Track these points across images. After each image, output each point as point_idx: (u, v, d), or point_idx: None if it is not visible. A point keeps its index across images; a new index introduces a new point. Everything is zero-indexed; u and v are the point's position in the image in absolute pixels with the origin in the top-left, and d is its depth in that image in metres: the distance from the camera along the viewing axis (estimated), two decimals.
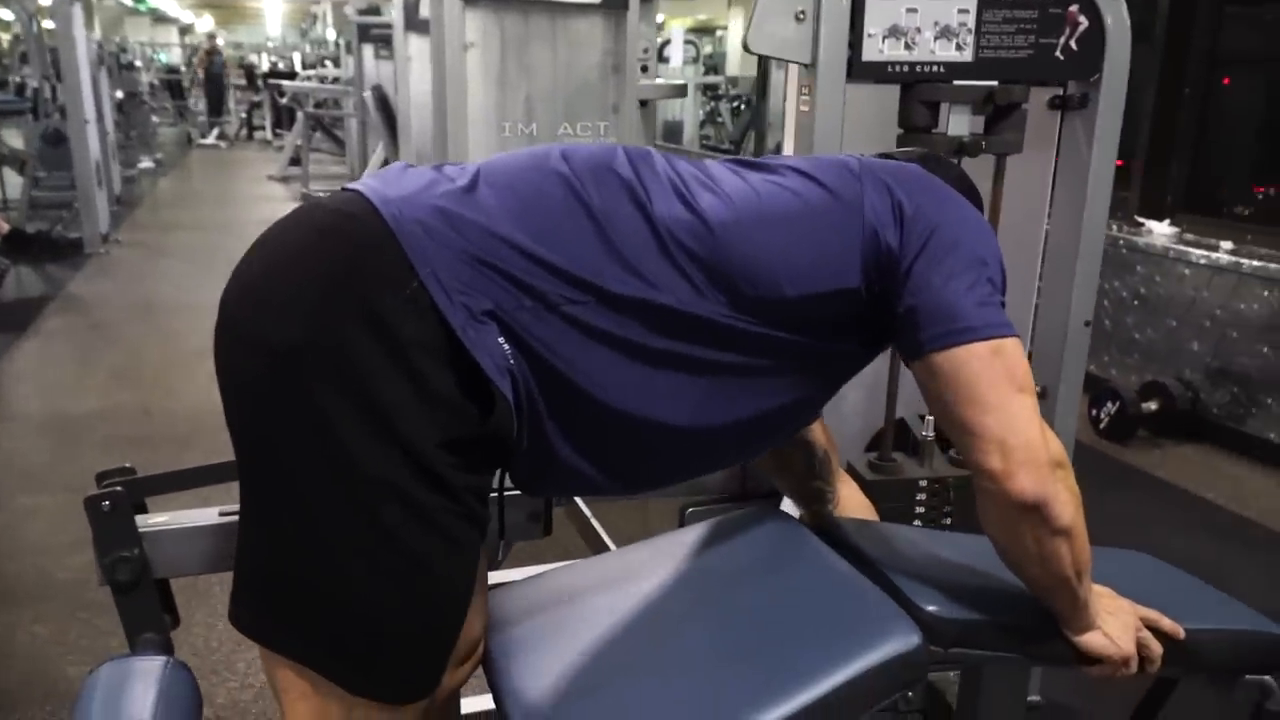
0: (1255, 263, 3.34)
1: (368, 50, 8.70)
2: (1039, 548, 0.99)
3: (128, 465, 1.21)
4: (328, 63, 16.78)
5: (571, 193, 0.98)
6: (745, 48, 1.53)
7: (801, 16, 1.50)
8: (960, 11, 1.53)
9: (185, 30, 33.06)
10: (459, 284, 0.91)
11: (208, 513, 1.22)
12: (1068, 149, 1.71)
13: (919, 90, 1.56)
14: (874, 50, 1.52)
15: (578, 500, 2.15)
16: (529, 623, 1.14)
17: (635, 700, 0.96)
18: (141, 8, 28.60)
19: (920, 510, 1.70)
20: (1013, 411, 0.97)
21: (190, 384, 3.97)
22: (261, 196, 9.78)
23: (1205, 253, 3.51)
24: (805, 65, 1.53)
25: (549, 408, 0.96)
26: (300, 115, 10.54)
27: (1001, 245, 1.68)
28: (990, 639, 1.05)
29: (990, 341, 0.98)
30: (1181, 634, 1.13)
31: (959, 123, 1.59)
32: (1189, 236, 3.74)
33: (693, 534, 1.29)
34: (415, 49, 4.54)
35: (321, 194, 7.43)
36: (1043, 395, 1.78)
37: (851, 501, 1.41)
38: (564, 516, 2.20)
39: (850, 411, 1.78)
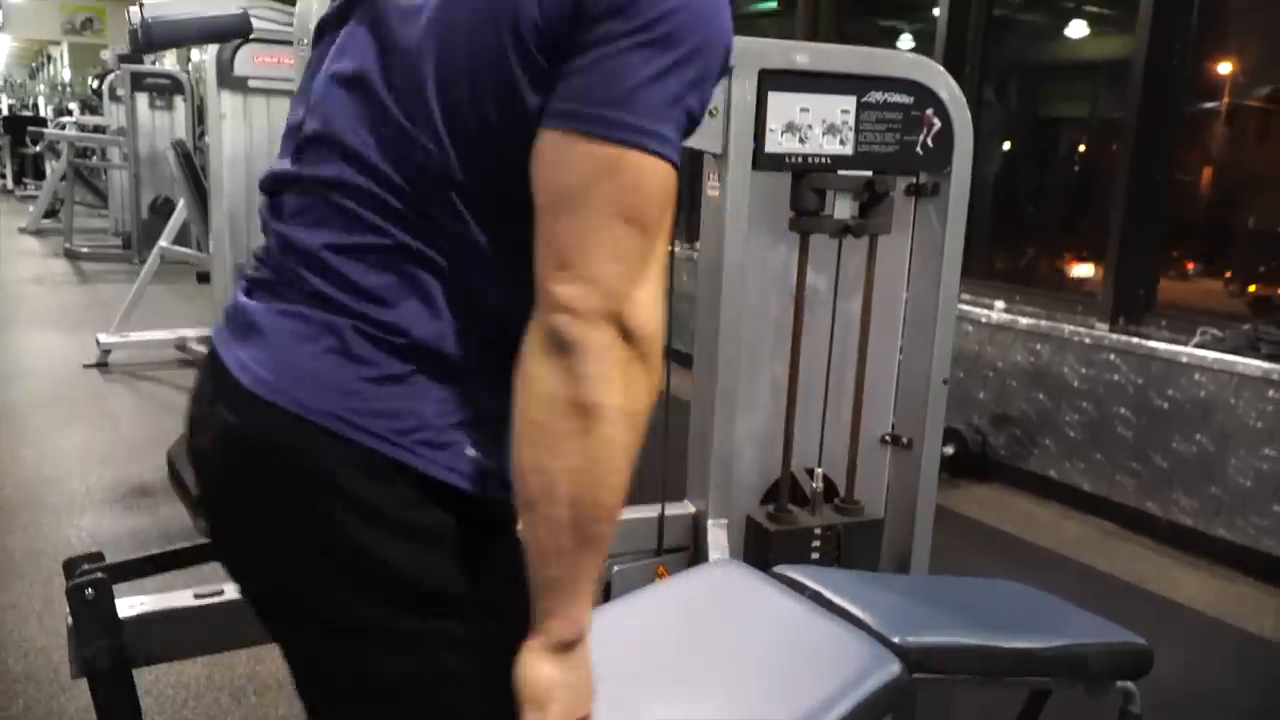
0: (1026, 320, 3.83)
1: (141, 99, 8.29)
2: (550, 419, 0.78)
3: (96, 551, 1.18)
4: (72, 107, 15.68)
5: None
6: None
7: (713, 112, 1.67)
8: (843, 111, 1.75)
9: None
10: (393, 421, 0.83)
11: (182, 595, 1.21)
12: (922, 230, 1.96)
13: (810, 179, 1.76)
14: (774, 143, 1.71)
15: None
16: None
17: None
18: None
19: (815, 556, 1.87)
20: (617, 247, 0.78)
21: None
22: (18, 251, 9.01)
23: (984, 311, 3.98)
24: (715, 155, 1.70)
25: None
26: (58, 165, 9.82)
27: (872, 314, 1.91)
28: (955, 662, 1.21)
29: (639, 154, 0.79)
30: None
31: (842, 207, 1.80)
32: (967, 296, 4.21)
33: (660, 593, 1.39)
34: (228, 106, 4.43)
35: (85, 249, 6.92)
36: (908, 445, 2.01)
37: None
38: None
39: (746, 467, 1.94)
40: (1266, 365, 3.06)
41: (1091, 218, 4.25)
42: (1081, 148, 4.71)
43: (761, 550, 1.86)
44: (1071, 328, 3.66)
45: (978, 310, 3.99)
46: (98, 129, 10.41)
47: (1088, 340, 3.59)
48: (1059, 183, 4.73)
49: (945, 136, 1.85)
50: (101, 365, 5.11)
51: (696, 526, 1.93)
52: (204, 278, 5.21)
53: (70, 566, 1.15)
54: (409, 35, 0.85)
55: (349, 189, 0.86)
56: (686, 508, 1.95)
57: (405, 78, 0.85)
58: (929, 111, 1.82)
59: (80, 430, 4.13)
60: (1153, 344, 3.41)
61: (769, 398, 1.95)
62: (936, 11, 4.24)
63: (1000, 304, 4.03)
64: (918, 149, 1.83)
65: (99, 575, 1.12)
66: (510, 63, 0.81)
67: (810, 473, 1.96)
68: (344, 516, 0.82)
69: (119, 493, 3.42)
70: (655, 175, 0.79)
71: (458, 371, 0.86)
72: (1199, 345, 3.31)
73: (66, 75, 25.40)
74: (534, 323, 0.79)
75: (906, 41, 5.35)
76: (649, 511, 1.89)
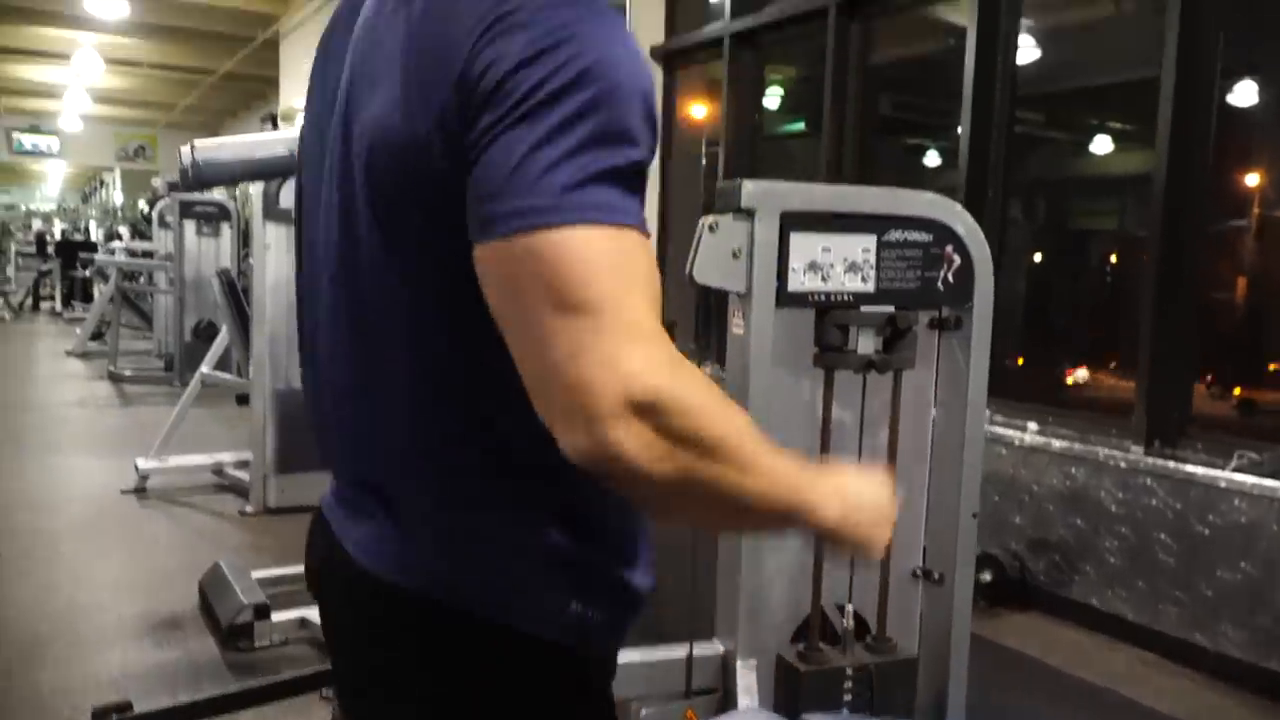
0: (1059, 443, 3.79)
1: (189, 226, 8.59)
2: (669, 502, 0.76)
3: (125, 701, 1.19)
4: (122, 231, 16.25)
5: None
6: (689, 280, 1.72)
7: (738, 254, 1.71)
8: (864, 250, 1.79)
9: None
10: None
11: None
12: (946, 363, 1.97)
13: (833, 315, 1.79)
14: (797, 282, 1.74)
15: None
16: None
17: None
18: None
19: (847, 698, 1.83)
20: (560, 341, 0.71)
21: (17, 589, 3.67)
22: (65, 374, 9.22)
23: (1018, 433, 3.95)
24: (740, 294, 1.74)
25: None
26: (106, 289, 10.13)
27: (899, 448, 1.91)
28: None
29: (539, 237, 0.71)
30: None
31: (865, 342, 1.83)
32: (999, 417, 4.19)
33: None
34: (273, 236, 4.58)
35: (128, 372, 7.03)
36: (940, 580, 1.98)
37: None
38: None
39: (776, 604, 1.92)
40: None
41: (1122, 335, 4.25)
42: (1111, 261, 4.74)
43: (792, 692, 1.83)
44: (1106, 451, 3.62)
45: (1010, 432, 3.96)
46: (146, 254, 10.76)
47: (1123, 464, 3.54)
48: (1089, 299, 4.74)
49: (965, 272, 1.88)
50: (139, 490, 5.16)
51: (725, 667, 1.90)
52: (243, 400, 5.30)
53: (99, 715, 1.16)
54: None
55: None
56: (715, 647, 1.92)
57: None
58: (948, 248, 1.86)
59: (115, 558, 4.15)
60: (1190, 468, 3.35)
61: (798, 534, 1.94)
62: (960, 130, 4.33)
63: (1033, 425, 4.00)
64: (939, 285, 1.86)
65: None
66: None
67: (841, 609, 1.93)
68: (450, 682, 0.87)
69: (150, 624, 3.42)
70: (575, 250, 0.71)
71: (529, 519, 0.85)
72: (1237, 469, 3.25)
73: (118, 199, 26.48)
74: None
75: (933, 158, 5.46)
76: (677, 652, 1.87)
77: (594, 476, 0.72)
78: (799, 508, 0.82)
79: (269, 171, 3.69)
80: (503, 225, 0.71)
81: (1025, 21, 4.30)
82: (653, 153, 0.78)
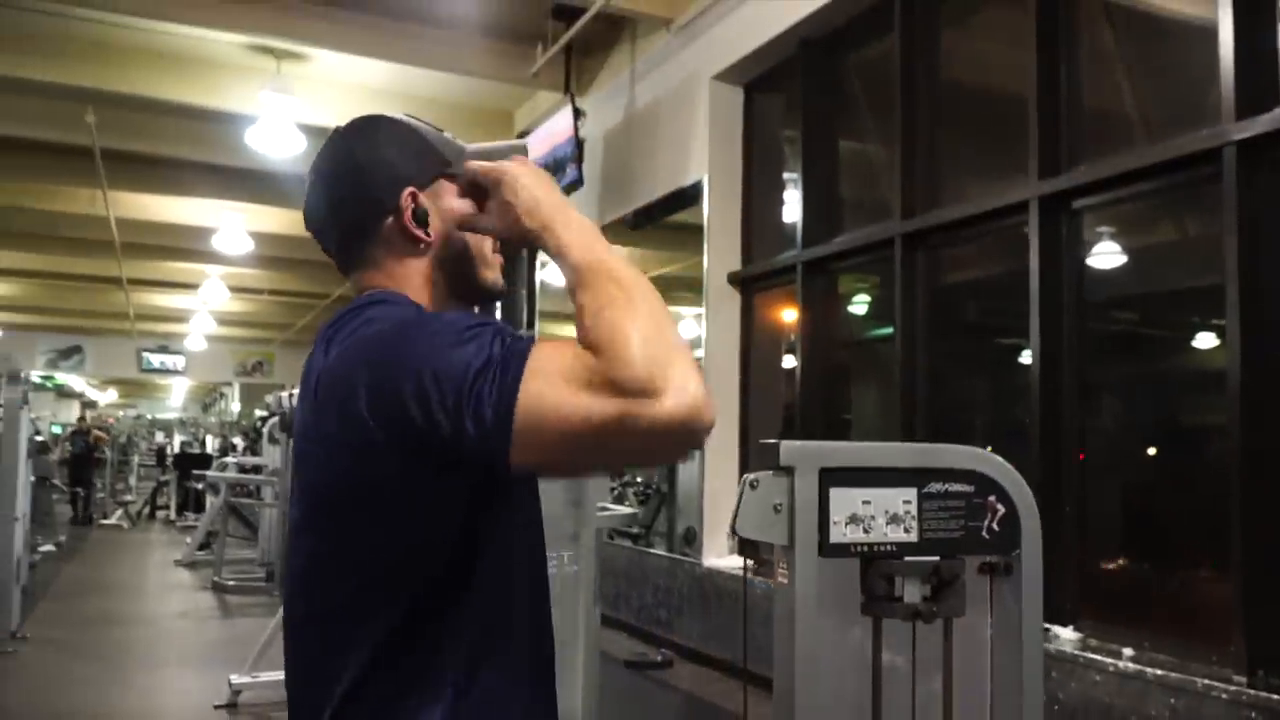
0: (1157, 671, 3.64)
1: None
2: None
3: None
4: (236, 442, 17.07)
5: None
6: (733, 533, 1.82)
7: (779, 508, 1.81)
8: (905, 502, 1.86)
9: (88, 405, 33.24)
10: None
11: None
12: (999, 608, 1.99)
13: (878, 565, 1.85)
14: (838, 534, 1.82)
15: None
16: None
17: None
18: (49, 384, 29.00)
19: None
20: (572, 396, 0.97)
21: None
22: (171, 584, 9.58)
23: (1112, 660, 3.80)
24: (783, 546, 1.82)
25: None
26: (216, 500, 10.60)
27: (954, 695, 1.91)
28: None
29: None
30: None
31: (911, 591, 1.87)
32: (1093, 641, 4.04)
33: None
34: None
35: (231, 582, 7.31)
36: None
37: None
38: None
39: None
40: None
41: (1216, 548, 4.11)
42: (1198, 467, 4.63)
43: None
44: (1205, 681, 3.46)
45: (1102, 658, 3.82)
46: (255, 469, 11.28)
47: (1224, 695, 3.37)
48: (1178, 506, 4.61)
49: (1011, 520, 1.93)
50: (231, 706, 5.27)
51: None
52: None
53: None
54: None
55: None
56: None
57: None
58: (991, 498, 1.92)
59: None
60: None
61: (853, 677, 1.93)
62: (1030, 335, 4.38)
63: (1129, 651, 3.86)
64: (984, 534, 1.91)
65: None
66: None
67: None
68: None
69: None
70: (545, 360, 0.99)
71: None
72: None
73: (235, 409, 27.89)
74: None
75: (1005, 359, 5.44)
76: None
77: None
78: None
79: None
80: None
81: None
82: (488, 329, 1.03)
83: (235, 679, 5.36)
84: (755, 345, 6.52)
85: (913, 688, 1.95)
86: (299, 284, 15.89)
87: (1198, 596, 4.29)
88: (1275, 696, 3.25)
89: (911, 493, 1.86)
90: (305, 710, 1.15)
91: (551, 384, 0.95)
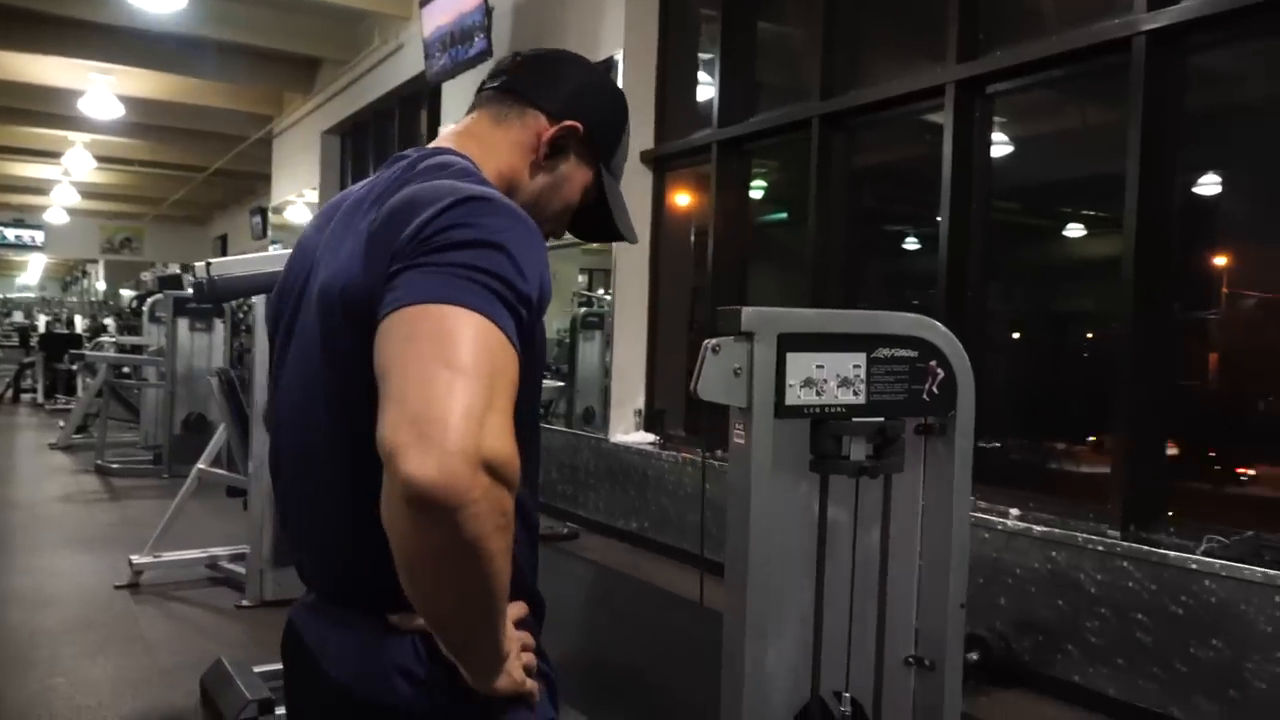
0: (1040, 528, 3.95)
1: (181, 322, 8.72)
2: (441, 566, 0.87)
3: None
4: (108, 323, 16.33)
5: None
6: (693, 394, 1.89)
7: (738, 372, 1.88)
8: (855, 366, 1.96)
9: None
10: None
11: None
12: (933, 466, 2.14)
13: (828, 426, 1.96)
14: (793, 397, 1.91)
15: None
16: None
17: None
18: None
19: None
20: (438, 384, 0.86)
21: (16, 690, 3.71)
22: (50, 469, 9.23)
23: (999, 519, 4.11)
24: (741, 408, 1.91)
25: None
26: (94, 382, 10.19)
27: (890, 545, 2.06)
28: None
29: (436, 306, 0.92)
30: (525, 610, 1.16)
31: (857, 450, 1.99)
32: (983, 503, 4.34)
33: None
34: None
35: (115, 465, 7.11)
36: (931, 667, 2.12)
37: None
38: None
39: (776, 692, 2.04)
40: (1271, 572, 3.17)
41: (1100, 419, 4.43)
42: (1087, 346, 4.94)
43: None
44: (1084, 535, 3.78)
45: (992, 518, 4.12)
46: (136, 349, 10.84)
47: (1100, 547, 3.70)
48: (1065, 383, 4.93)
49: (949, 384, 2.05)
50: (133, 586, 5.21)
51: None
52: (233, 493, 5.40)
53: None
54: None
55: None
56: None
57: None
58: (932, 363, 2.04)
59: (112, 656, 4.19)
60: (1162, 551, 3.52)
61: (797, 624, 2.08)
62: (940, 219, 4.56)
63: (1015, 511, 4.16)
64: (924, 396, 2.04)
65: None
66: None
67: (839, 696, 2.06)
68: None
69: None
70: (462, 323, 0.91)
71: None
72: (1206, 553, 3.42)
73: (101, 287, 26.54)
74: (388, 478, 0.84)
75: (912, 243, 5.67)
76: None
77: (407, 504, 0.83)
78: (499, 641, 1.04)
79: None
80: (405, 300, 0.93)
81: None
82: (532, 302, 1.01)
83: (136, 559, 5.29)
84: (666, 226, 6.55)
85: (854, 539, 2.09)
86: (173, 155, 15.05)
87: (1081, 465, 4.64)
88: (1144, 547, 3.60)
89: (861, 357, 1.96)
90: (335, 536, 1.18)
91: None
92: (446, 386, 0.85)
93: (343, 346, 1.06)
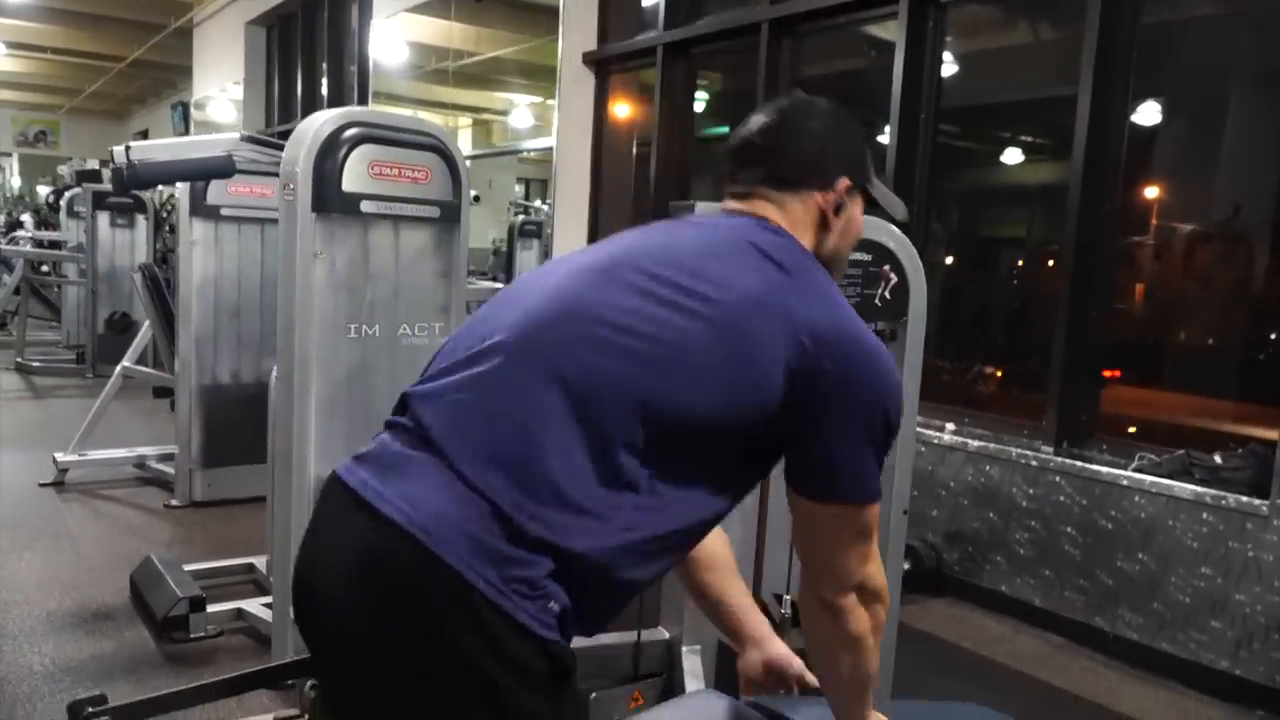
0: (975, 443, 4.01)
1: (102, 217, 8.36)
2: (830, 645, 1.27)
3: (99, 694, 1.23)
4: (25, 219, 15.65)
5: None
6: None
7: None
8: None
9: None
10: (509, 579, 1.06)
11: None
12: None
13: None
14: None
15: None
16: None
17: None
18: None
19: None
20: (849, 554, 1.22)
21: None
22: None
23: (935, 434, 4.16)
24: None
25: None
26: (11, 278, 9.77)
27: None
28: None
29: (856, 506, 1.21)
30: None
31: None
32: (919, 419, 4.38)
33: None
34: (200, 233, 4.55)
35: (37, 364, 6.79)
36: None
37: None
38: None
39: None
40: (1199, 489, 3.25)
41: (1036, 341, 4.49)
42: (1023, 271, 4.98)
43: (733, 675, 1.95)
44: (1018, 450, 3.84)
45: (929, 432, 4.16)
46: (54, 244, 10.41)
47: (1033, 463, 3.77)
48: (1004, 305, 4.98)
49: (901, 290, 2.03)
50: (58, 484, 5.06)
51: (671, 652, 2.01)
52: (160, 393, 5.23)
53: (75, 710, 1.20)
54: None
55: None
56: (661, 634, 2.03)
57: None
58: (886, 268, 2.00)
59: (39, 553, 4.08)
60: (1095, 467, 3.59)
61: (740, 527, 2.06)
62: (884, 139, 4.52)
63: (950, 426, 4.21)
64: (877, 301, 2.01)
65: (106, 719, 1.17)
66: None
67: (779, 598, 2.06)
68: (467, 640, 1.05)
69: (82, 617, 3.40)
70: (869, 512, 1.22)
71: (583, 567, 1.09)
72: (1137, 470, 3.49)
73: (16, 183, 25.37)
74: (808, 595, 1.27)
75: None
76: (625, 638, 1.98)
77: (822, 615, 1.25)
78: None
79: (204, 173, 3.65)
80: (834, 495, 1.21)
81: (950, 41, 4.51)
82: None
83: (61, 456, 5.13)
84: (608, 130, 6.39)
85: None
86: (90, 43, 14.25)
87: (1016, 386, 4.71)
88: (1074, 462, 3.67)
89: None
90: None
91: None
92: (855, 549, 1.27)
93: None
